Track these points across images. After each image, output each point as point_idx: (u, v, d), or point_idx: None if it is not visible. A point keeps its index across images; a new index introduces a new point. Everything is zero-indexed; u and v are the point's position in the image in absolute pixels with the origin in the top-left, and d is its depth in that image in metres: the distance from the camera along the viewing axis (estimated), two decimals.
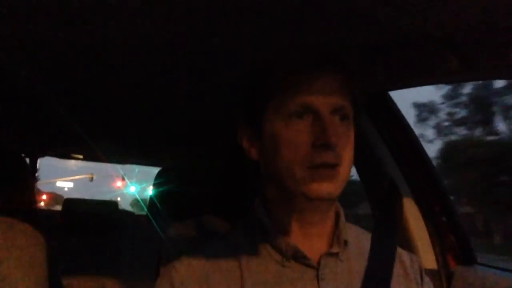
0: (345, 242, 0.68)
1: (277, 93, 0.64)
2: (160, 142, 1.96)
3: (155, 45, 0.89)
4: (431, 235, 1.18)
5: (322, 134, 0.60)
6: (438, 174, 1.20)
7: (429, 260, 1.16)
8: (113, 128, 1.75)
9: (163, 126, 1.66)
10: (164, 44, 0.89)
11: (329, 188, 0.61)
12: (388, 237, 0.73)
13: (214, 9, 0.73)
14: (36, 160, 2.39)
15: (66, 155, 2.56)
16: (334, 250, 0.67)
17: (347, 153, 0.63)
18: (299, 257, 0.65)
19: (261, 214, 0.69)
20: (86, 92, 1.25)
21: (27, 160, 1.94)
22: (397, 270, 0.71)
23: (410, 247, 1.17)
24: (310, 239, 0.67)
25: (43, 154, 2.44)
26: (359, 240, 0.73)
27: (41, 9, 0.75)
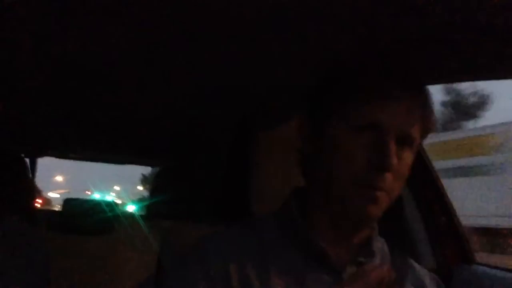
0: (373, 253, 0.69)
1: (352, 102, 0.63)
2: (160, 142, 1.96)
3: (156, 44, 0.89)
4: (430, 235, 1.18)
5: (384, 157, 0.59)
6: (437, 174, 1.20)
7: (429, 260, 1.16)
8: (113, 128, 1.75)
9: (163, 125, 1.66)
10: (165, 43, 0.89)
11: (375, 210, 0.62)
12: (397, 243, 0.74)
13: (218, 13, 0.73)
14: (36, 160, 2.39)
15: (66, 155, 2.56)
16: (361, 258, 0.67)
17: (400, 180, 0.63)
18: (326, 262, 0.65)
19: (295, 214, 0.69)
20: (86, 92, 1.25)
21: (27, 160, 1.94)
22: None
23: (410, 247, 1.17)
24: (339, 244, 0.67)
25: (43, 154, 2.44)
26: (383, 250, 0.73)
27: (41, 8, 0.75)
